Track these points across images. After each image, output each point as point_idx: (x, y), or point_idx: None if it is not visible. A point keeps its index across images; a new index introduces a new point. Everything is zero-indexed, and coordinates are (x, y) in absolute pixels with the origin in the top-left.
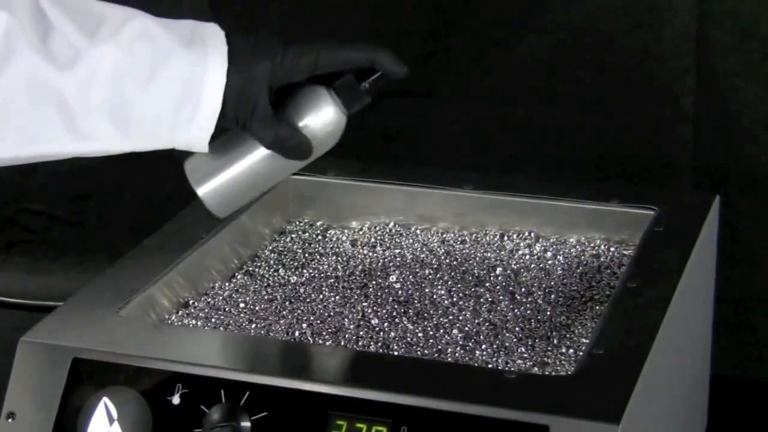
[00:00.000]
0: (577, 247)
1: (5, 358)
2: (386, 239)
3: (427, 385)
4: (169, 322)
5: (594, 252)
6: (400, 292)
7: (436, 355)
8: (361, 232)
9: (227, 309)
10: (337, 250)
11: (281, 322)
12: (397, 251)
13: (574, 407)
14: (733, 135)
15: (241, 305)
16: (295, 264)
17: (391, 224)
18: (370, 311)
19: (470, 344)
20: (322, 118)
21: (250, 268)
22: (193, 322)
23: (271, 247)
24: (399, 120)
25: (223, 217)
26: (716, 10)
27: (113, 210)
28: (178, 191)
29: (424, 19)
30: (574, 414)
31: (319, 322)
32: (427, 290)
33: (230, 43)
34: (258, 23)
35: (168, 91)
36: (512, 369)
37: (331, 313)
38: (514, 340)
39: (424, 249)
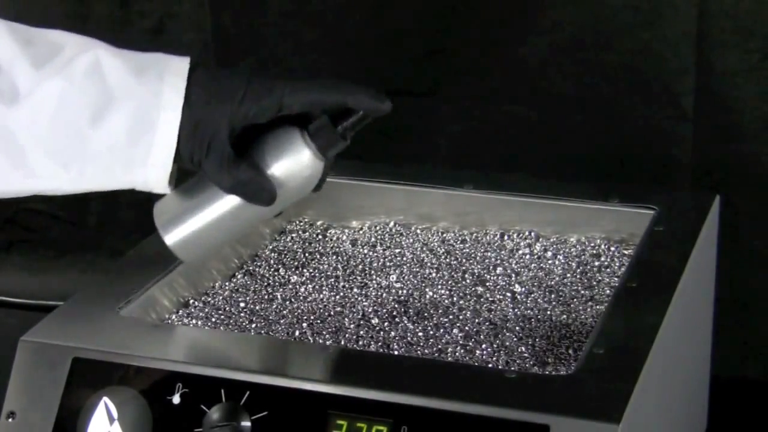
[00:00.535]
0: (578, 246)
1: (5, 358)
2: (386, 239)
3: (428, 384)
4: (170, 321)
5: (594, 251)
6: (400, 291)
7: (436, 354)
8: (361, 232)
9: (227, 309)
10: (337, 249)
11: (281, 321)
12: (397, 251)
13: (574, 407)
14: (733, 134)
15: (242, 305)
16: (296, 263)
17: (392, 224)
18: (370, 311)
19: (470, 344)
20: (293, 162)
21: (251, 268)
22: (194, 321)
23: (271, 247)
24: (399, 119)
25: (193, 262)
26: (716, 10)
27: (113, 210)
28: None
29: (424, 18)
30: (574, 414)
31: (319, 321)
32: (427, 290)
33: (191, 79)
34: (258, 23)
35: (119, 128)
36: (512, 368)
37: (332, 313)
38: (515, 339)
39: (424, 248)
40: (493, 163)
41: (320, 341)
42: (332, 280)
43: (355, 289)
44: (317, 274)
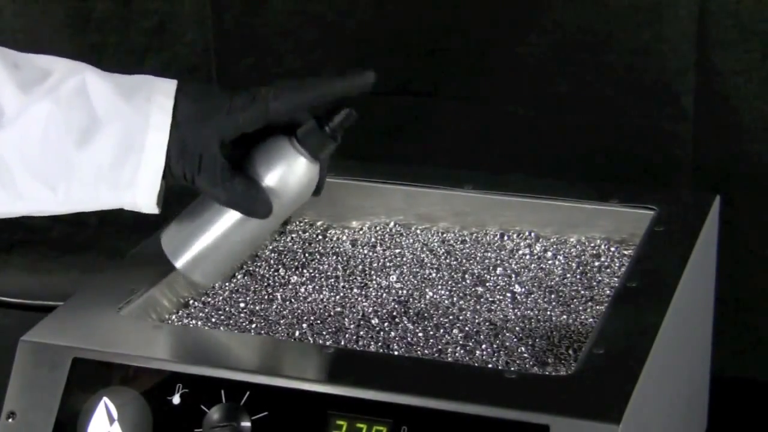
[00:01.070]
0: (578, 246)
1: (5, 358)
2: (386, 239)
3: (428, 384)
4: (170, 322)
5: (594, 252)
6: (400, 292)
7: (436, 354)
8: (361, 232)
9: (227, 309)
10: (337, 249)
11: (281, 322)
12: (397, 251)
13: (574, 407)
14: (734, 134)
15: (242, 305)
16: (296, 264)
17: (392, 224)
18: (370, 311)
19: (470, 344)
20: (286, 169)
21: (251, 268)
22: (194, 322)
23: (271, 247)
24: (400, 119)
25: (210, 283)
26: (716, 9)
27: (113, 210)
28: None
29: (424, 18)
30: (574, 414)
31: (319, 322)
32: (427, 290)
33: (178, 99)
34: (259, 22)
35: (106, 150)
36: (512, 369)
37: (332, 313)
38: (515, 339)
39: (424, 249)
40: (493, 163)
41: (320, 341)
42: (332, 280)
43: (355, 290)
44: (317, 275)
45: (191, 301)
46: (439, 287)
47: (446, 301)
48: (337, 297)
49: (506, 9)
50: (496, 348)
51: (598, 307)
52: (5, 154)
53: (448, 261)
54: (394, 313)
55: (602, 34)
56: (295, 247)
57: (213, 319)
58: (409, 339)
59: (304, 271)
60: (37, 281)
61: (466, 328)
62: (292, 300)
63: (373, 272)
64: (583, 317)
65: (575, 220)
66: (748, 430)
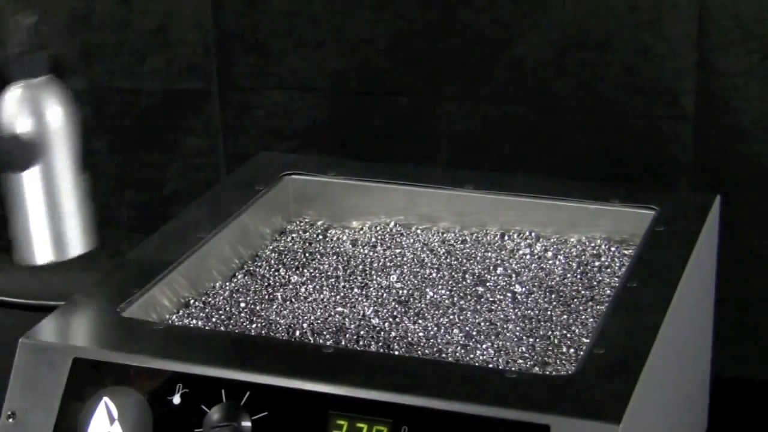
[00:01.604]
0: (578, 246)
1: (5, 358)
2: (387, 239)
3: (428, 384)
4: (170, 322)
5: (594, 252)
6: (400, 291)
7: (436, 354)
8: (361, 232)
9: (228, 309)
10: (337, 249)
11: (282, 321)
12: (397, 251)
13: (574, 407)
14: (733, 135)
15: (242, 305)
16: (296, 264)
17: (392, 224)
18: (370, 311)
19: (471, 344)
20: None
21: (251, 268)
22: (194, 322)
23: (271, 247)
24: (399, 120)
25: (53, 258)
26: (717, 10)
27: (115, 209)
28: (178, 191)
29: (424, 18)
30: (574, 414)
31: (319, 321)
32: (427, 290)
33: None
34: (259, 22)
35: None
36: (513, 369)
37: (332, 313)
38: (515, 339)
39: (424, 249)
40: (493, 163)
41: (320, 341)
42: (333, 280)
43: (356, 290)
44: (318, 275)
45: (192, 301)
46: (440, 287)
47: (447, 301)
48: (338, 297)
49: (506, 9)
50: (497, 348)
51: (598, 307)
52: None
53: (448, 261)
54: (395, 313)
55: (603, 35)
56: (296, 246)
57: (213, 319)
58: (409, 339)
59: (305, 270)
60: (38, 281)
61: (467, 328)
62: (293, 300)
63: (373, 272)
64: (583, 317)
65: (576, 220)
66: (748, 431)
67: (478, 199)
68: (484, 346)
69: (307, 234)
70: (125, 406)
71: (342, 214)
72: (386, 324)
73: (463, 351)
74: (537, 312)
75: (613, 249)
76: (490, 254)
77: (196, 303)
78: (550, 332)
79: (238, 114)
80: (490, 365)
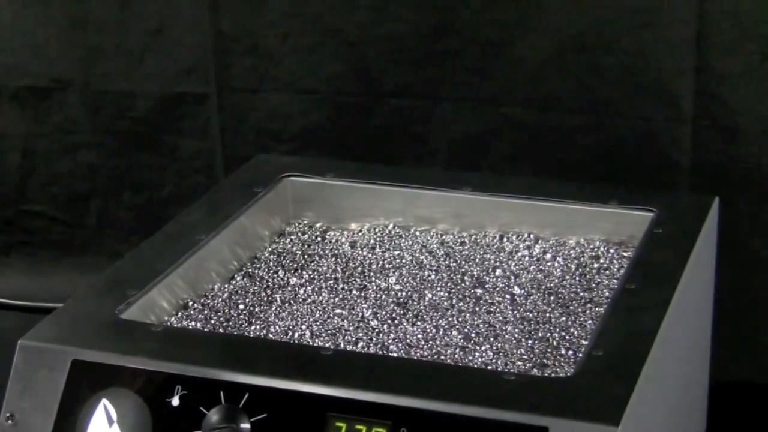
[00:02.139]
0: (577, 248)
1: (5, 360)
2: (385, 241)
3: (427, 386)
4: (169, 323)
5: (593, 253)
6: (399, 293)
7: (435, 356)
8: (360, 234)
9: (226, 310)
10: (336, 251)
11: (280, 323)
12: (396, 253)
13: (573, 409)
14: (733, 135)
15: (241, 307)
16: (295, 265)
17: (391, 226)
18: (369, 313)
19: (469, 346)
20: None
21: (250, 270)
22: (193, 323)
23: (270, 249)
24: (399, 120)
25: None
26: (716, 11)
27: (113, 211)
28: (178, 192)
29: (424, 18)
30: (573, 416)
31: (318, 323)
32: (426, 292)
33: None
34: (258, 23)
35: None
36: (511, 371)
37: (331, 315)
38: (514, 341)
39: (423, 250)
40: (493, 164)
41: (319, 343)
42: (331, 282)
43: (354, 291)
44: (316, 276)
45: (190, 303)
46: (438, 289)
47: (445, 303)
48: (336, 299)
49: (506, 10)
50: (495, 350)
51: (597, 308)
52: None
53: (447, 263)
54: (393, 315)
55: (601, 36)
56: (294, 248)
57: (212, 321)
58: (408, 341)
59: (303, 272)
60: (36, 283)
61: (465, 330)
62: (291, 301)
63: (372, 274)
64: (582, 319)
65: (574, 222)
66: None
67: (476, 200)
68: (482, 347)
69: (306, 236)
70: (124, 408)
71: (340, 215)
72: (385, 326)
73: (461, 353)
74: (536, 314)
75: (612, 251)
76: (488, 256)
77: (195, 305)
78: (548, 334)
79: (236, 116)
80: (489, 367)
